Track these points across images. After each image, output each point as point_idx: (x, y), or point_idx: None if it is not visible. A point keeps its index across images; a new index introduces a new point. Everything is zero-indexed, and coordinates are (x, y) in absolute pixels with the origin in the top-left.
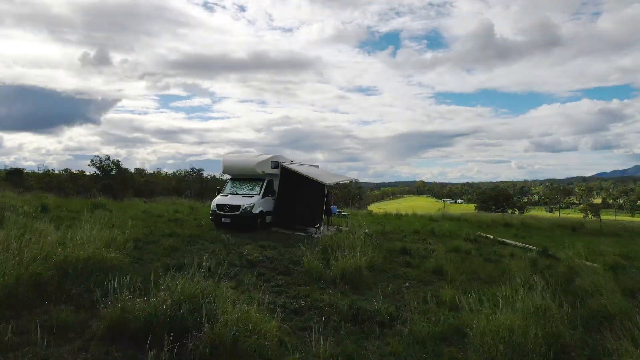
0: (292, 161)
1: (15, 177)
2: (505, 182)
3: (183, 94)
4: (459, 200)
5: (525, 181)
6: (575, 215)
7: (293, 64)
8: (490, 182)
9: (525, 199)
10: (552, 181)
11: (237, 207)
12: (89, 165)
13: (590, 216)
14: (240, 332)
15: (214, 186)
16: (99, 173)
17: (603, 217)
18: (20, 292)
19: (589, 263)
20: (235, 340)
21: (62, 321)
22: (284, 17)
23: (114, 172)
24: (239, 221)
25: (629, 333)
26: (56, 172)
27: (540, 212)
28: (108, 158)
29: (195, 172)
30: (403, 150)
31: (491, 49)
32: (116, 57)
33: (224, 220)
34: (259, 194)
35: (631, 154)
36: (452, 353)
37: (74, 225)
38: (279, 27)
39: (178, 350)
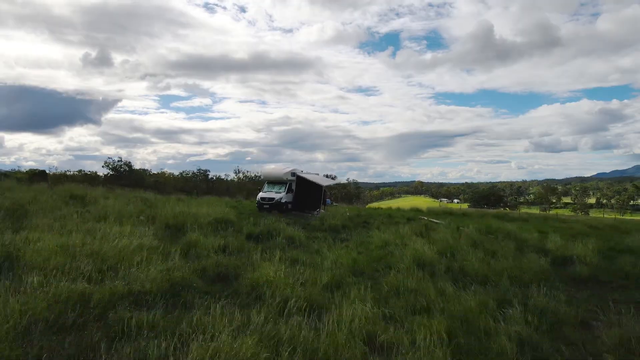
0: (302, 171)
1: (39, 177)
2: (504, 182)
3: (183, 94)
4: (455, 200)
5: (524, 181)
6: (567, 213)
7: (293, 65)
8: (489, 182)
9: (522, 199)
10: (551, 181)
11: (272, 199)
12: (103, 166)
13: (580, 214)
14: (294, 236)
15: (220, 186)
16: (112, 173)
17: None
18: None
19: (463, 228)
20: (293, 238)
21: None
22: (284, 18)
23: (125, 172)
24: (273, 207)
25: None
26: (71, 172)
27: (529, 210)
28: (120, 159)
29: (201, 172)
30: (403, 151)
31: (491, 49)
32: (117, 57)
33: (265, 206)
34: (284, 191)
35: (631, 154)
36: (385, 258)
37: (197, 206)
38: (279, 28)
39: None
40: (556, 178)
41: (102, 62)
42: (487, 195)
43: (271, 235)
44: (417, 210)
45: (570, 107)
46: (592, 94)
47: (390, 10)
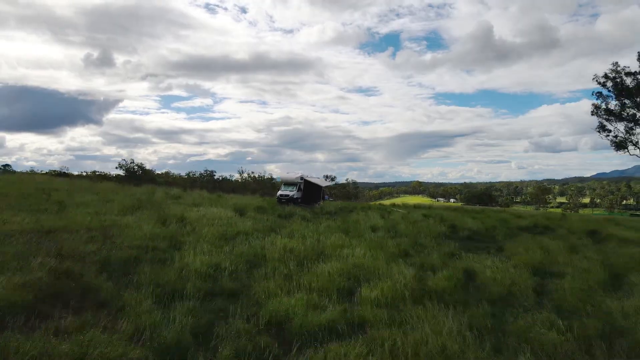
0: (308, 175)
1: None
2: (503, 182)
3: (184, 94)
4: (452, 200)
5: (522, 181)
6: (556, 211)
7: (294, 65)
8: (488, 182)
9: (519, 198)
10: (550, 181)
11: (287, 195)
12: (117, 167)
13: (569, 212)
14: (305, 216)
15: (225, 186)
16: (125, 175)
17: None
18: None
19: (410, 213)
20: (304, 216)
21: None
22: (285, 19)
23: (138, 174)
24: (288, 201)
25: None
26: (85, 173)
27: (520, 209)
28: (132, 161)
29: (208, 173)
30: (403, 151)
31: (490, 50)
32: (119, 58)
33: (282, 200)
34: (296, 190)
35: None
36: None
37: (238, 199)
38: (280, 29)
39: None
40: (556, 178)
41: (104, 62)
42: (480, 195)
43: (291, 215)
44: (396, 204)
45: (570, 107)
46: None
47: (390, 11)
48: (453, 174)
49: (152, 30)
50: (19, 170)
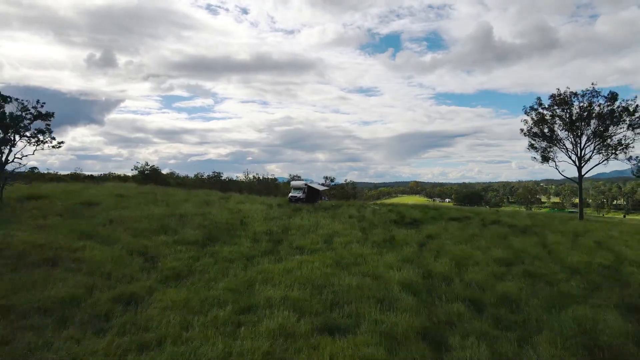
0: (311, 181)
1: (91, 180)
2: (501, 182)
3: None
4: (447, 200)
5: (520, 182)
6: (537, 211)
7: (295, 66)
8: (487, 183)
9: (513, 198)
10: (549, 181)
11: (296, 197)
12: (132, 169)
13: (556, 211)
14: (308, 209)
15: (232, 187)
16: (141, 177)
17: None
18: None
19: (378, 206)
20: (308, 209)
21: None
22: (286, 20)
23: (152, 175)
24: (297, 200)
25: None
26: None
27: (508, 208)
28: (146, 164)
29: (216, 175)
30: (404, 151)
31: (490, 51)
32: (121, 59)
33: (292, 200)
34: (302, 193)
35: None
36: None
37: (264, 198)
38: (281, 29)
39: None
40: (555, 178)
41: (106, 63)
42: (471, 196)
43: (300, 209)
44: (380, 204)
45: None
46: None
47: (390, 12)
48: (453, 174)
49: (154, 31)
50: (20, 170)
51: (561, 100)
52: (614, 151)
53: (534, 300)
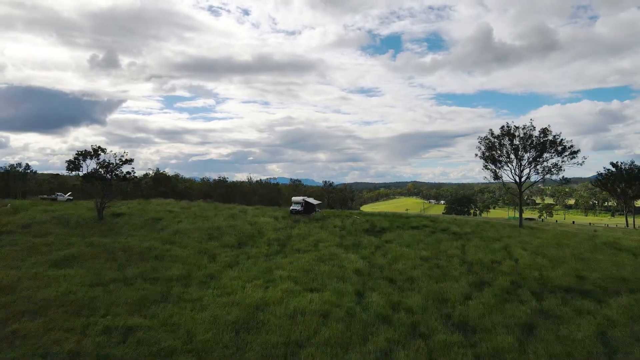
0: (307, 197)
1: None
2: (500, 183)
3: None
4: (442, 201)
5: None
6: (532, 215)
7: (296, 66)
8: (485, 183)
9: (508, 199)
10: (549, 182)
11: (296, 209)
12: (146, 173)
13: (544, 215)
14: (304, 220)
15: (237, 192)
16: (153, 181)
17: (556, 216)
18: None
19: (359, 216)
20: (304, 221)
21: None
22: (287, 21)
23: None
24: (297, 213)
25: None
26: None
27: (497, 212)
28: (158, 170)
29: (221, 179)
30: (404, 151)
31: (490, 52)
32: (124, 60)
33: (292, 212)
34: (300, 206)
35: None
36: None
37: (272, 211)
38: (282, 30)
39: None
40: (554, 179)
41: (109, 64)
42: (461, 199)
43: (298, 220)
44: (361, 213)
45: (571, 107)
46: (592, 94)
47: (391, 13)
48: (454, 174)
49: (157, 33)
50: (20, 171)
51: (507, 132)
52: (548, 172)
53: (427, 279)
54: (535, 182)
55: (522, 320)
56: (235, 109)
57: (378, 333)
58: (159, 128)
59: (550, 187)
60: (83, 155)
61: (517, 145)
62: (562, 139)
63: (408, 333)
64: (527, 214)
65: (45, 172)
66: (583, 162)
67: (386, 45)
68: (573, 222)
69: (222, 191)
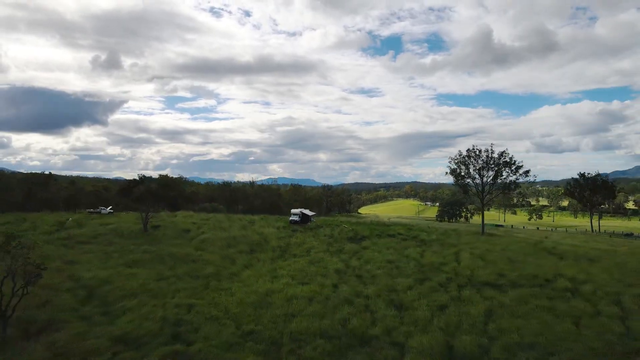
0: (304, 209)
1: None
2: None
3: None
4: (437, 204)
5: (517, 183)
6: (523, 216)
7: (297, 67)
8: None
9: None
10: (549, 183)
11: (294, 220)
12: (154, 180)
13: (534, 217)
14: (301, 229)
15: (240, 196)
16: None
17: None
18: None
19: (346, 225)
20: (302, 229)
21: None
22: (288, 22)
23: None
24: (295, 224)
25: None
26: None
27: (488, 214)
28: (166, 176)
29: (226, 184)
30: (405, 151)
31: (490, 53)
32: (126, 61)
33: (291, 222)
34: (298, 217)
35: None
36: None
37: (277, 221)
38: (283, 32)
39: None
40: (554, 179)
41: (112, 65)
42: (452, 202)
43: (296, 229)
44: (345, 221)
45: (571, 108)
46: (593, 95)
47: (391, 14)
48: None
49: (159, 34)
50: (21, 171)
51: (473, 153)
52: (507, 188)
53: (386, 276)
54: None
55: (440, 303)
56: (236, 109)
57: (343, 310)
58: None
59: (546, 188)
60: (135, 182)
61: (481, 165)
62: (515, 160)
63: (362, 310)
64: (520, 215)
65: (44, 172)
66: (535, 179)
67: (386, 46)
68: (537, 227)
69: (226, 195)
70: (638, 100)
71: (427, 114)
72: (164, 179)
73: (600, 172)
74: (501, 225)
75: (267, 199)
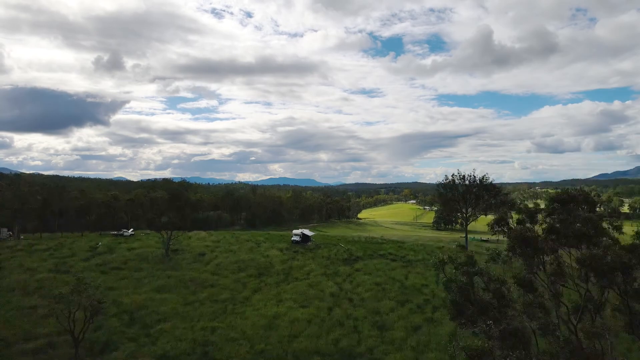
0: (304, 230)
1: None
2: (499, 184)
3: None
4: (435, 208)
5: (516, 185)
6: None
7: (298, 68)
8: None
9: None
10: (549, 184)
11: (296, 240)
12: (161, 191)
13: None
14: (302, 250)
15: (244, 205)
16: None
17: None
18: None
19: (342, 245)
20: (302, 251)
21: None
22: (289, 23)
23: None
24: (297, 244)
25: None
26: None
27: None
28: (170, 180)
29: (230, 194)
30: (406, 151)
31: (490, 55)
32: (129, 62)
33: (294, 242)
34: (299, 237)
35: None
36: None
37: (279, 240)
38: (285, 32)
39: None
40: (554, 180)
41: (114, 65)
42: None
43: (297, 250)
44: (341, 239)
45: (572, 108)
46: (594, 95)
47: (392, 16)
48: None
49: (162, 36)
50: (22, 171)
51: (459, 178)
52: (488, 209)
53: (373, 299)
54: (478, 217)
55: (415, 324)
56: (237, 109)
57: (335, 331)
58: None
59: (545, 190)
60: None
61: (464, 189)
62: (495, 185)
63: (351, 331)
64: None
65: (46, 172)
66: (513, 200)
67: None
68: None
69: (230, 203)
70: (639, 101)
71: (428, 114)
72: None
73: (601, 172)
74: (486, 240)
75: (269, 207)
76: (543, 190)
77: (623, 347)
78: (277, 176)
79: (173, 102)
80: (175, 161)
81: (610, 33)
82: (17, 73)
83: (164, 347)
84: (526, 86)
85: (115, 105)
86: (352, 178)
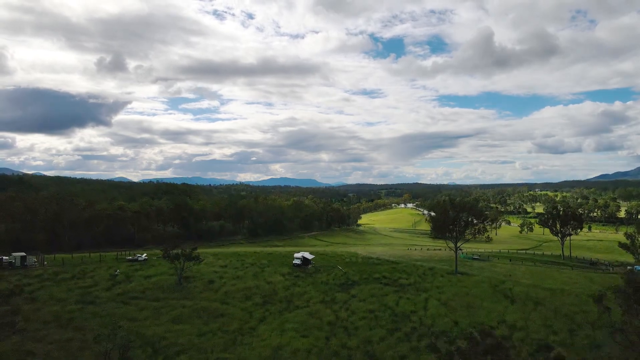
0: (305, 254)
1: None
2: (499, 186)
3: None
4: (434, 214)
5: (514, 187)
6: (515, 229)
7: (300, 69)
8: (486, 185)
9: (502, 208)
10: (547, 185)
11: (297, 263)
12: (168, 208)
13: (525, 230)
14: (303, 274)
15: (247, 213)
16: (174, 207)
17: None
18: None
19: (340, 267)
20: (303, 275)
21: None
22: (291, 25)
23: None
24: (298, 267)
25: None
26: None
27: None
28: (174, 184)
29: (232, 202)
30: (407, 151)
31: (491, 56)
32: (131, 63)
33: (295, 265)
34: (300, 261)
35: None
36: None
37: (281, 264)
38: (286, 34)
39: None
40: (554, 181)
41: (116, 67)
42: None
43: (299, 274)
44: (338, 257)
45: (573, 108)
46: (594, 96)
47: (393, 17)
48: (457, 174)
49: (164, 37)
50: (24, 171)
51: (450, 201)
52: (478, 233)
53: (366, 327)
54: (467, 240)
55: (402, 353)
56: (239, 110)
57: None
58: (163, 129)
59: (545, 193)
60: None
61: (453, 215)
62: (482, 210)
63: None
64: (512, 228)
65: (48, 172)
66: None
67: (388, 48)
68: (510, 259)
69: (232, 212)
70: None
71: (429, 114)
72: (172, 189)
73: (603, 173)
74: (477, 258)
75: (271, 217)
76: (542, 192)
77: None
78: (278, 176)
79: (175, 103)
80: (177, 161)
81: (611, 34)
82: (20, 74)
83: None
84: (527, 87)
85: (117, 105)
86: (353, 178)
